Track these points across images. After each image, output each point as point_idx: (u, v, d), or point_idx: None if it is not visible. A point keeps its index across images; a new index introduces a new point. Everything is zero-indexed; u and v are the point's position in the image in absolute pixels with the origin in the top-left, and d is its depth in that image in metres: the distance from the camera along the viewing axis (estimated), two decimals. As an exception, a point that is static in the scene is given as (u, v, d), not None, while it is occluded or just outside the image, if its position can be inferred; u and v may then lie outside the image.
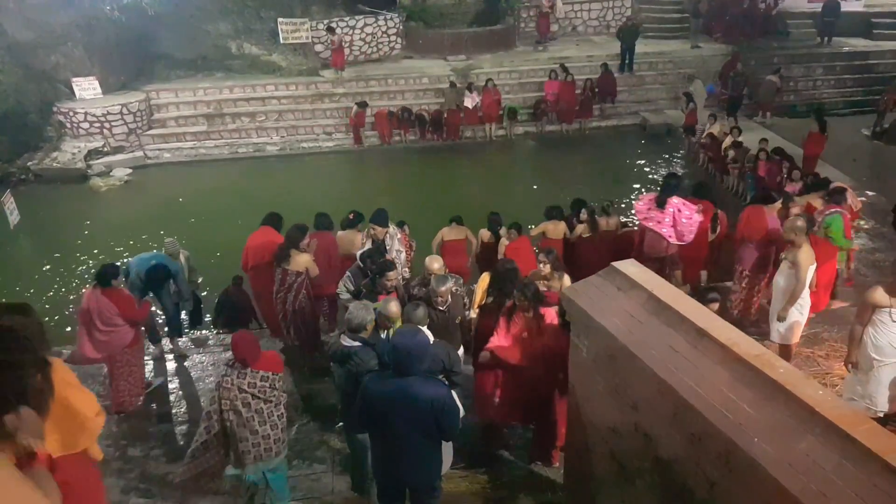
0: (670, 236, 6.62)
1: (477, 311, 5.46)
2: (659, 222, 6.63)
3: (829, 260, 6.22)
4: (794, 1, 18.09)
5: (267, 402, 4.02)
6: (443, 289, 4.90)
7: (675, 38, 17.70)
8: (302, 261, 6.04)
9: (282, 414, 4.15)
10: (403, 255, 6.61)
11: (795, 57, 16.59)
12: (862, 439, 2.15)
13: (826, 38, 17.20)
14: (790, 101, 15.78)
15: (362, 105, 14.24)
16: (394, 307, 4.43)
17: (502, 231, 7.23)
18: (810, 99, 16.12)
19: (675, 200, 6.58)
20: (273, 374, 4.05)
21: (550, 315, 4.59)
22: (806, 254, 5.36)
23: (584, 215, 7.50)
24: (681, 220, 6.55)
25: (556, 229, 7.48)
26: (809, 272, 5.42)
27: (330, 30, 15.35)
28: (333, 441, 5.26)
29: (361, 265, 5.59)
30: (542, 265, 5.57)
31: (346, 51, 16.18)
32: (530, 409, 4.82)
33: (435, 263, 5.43)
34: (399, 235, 6.62)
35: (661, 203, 6.58)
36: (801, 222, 5.45)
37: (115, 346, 5.63)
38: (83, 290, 6.58)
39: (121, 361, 5.69)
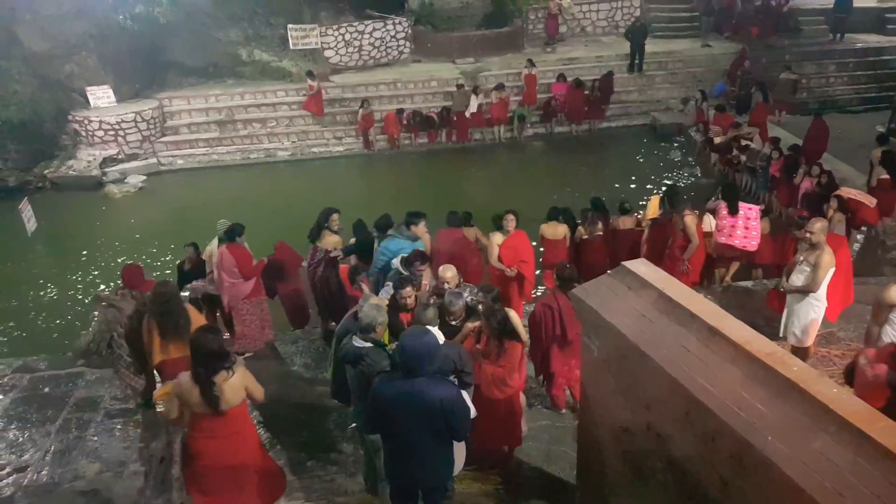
0: (744, 247, 6.92)
1: (649, 223, 7.23)
2: (731, 235, 6.92)
3: (840, 248, 6.13)
4: (806, -3, 17.98)
5: None
6: (456, 308, 4.53)
7: (685, 37, 17.60)
8: (330, 241, 6.63)
9: None
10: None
11: (807, 54, 16.42)
12: (877, 437, 2.12)
13: (838, 35, 16.98)
14: (803, 99, 15.61)
15: (364, 104, 14.13)
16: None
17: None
18: (823, 96, 15.95)
19: (743, 206, 6.92)
20: None
21: (515, 364, 4.37)
22: (829, 255, 5.30)
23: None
24: (751, 229, 6.89)
25: (556, 231, 7.39)
26: (828, 275, 5.36)
27: (310, 74, 14.67)
28: (346, 442, 5.28)
29: (402, 272, 5.28)
30: (479, 306, 4.88)
31: (356, 55, 16.28)
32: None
33: (448, 272, 5.16)
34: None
35: (734, 210, 6.89)
36: (823, 223, 5.41)
37: (236, 296, 6.52)
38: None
39: (240, 310, 6.60)
